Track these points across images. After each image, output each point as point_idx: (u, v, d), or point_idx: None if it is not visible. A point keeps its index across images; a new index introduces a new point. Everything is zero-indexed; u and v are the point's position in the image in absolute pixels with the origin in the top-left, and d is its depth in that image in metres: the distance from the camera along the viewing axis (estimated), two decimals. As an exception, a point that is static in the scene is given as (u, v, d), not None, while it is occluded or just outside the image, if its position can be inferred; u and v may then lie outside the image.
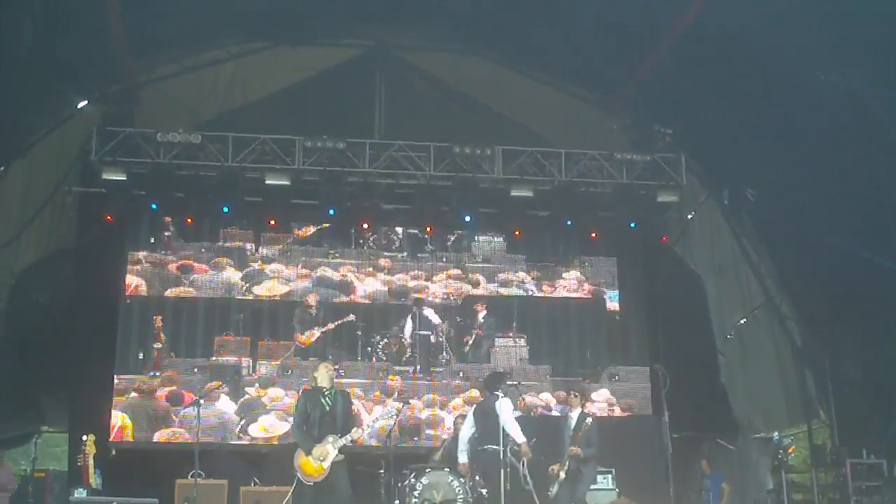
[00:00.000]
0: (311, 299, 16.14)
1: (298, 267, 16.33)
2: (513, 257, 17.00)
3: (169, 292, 15.92)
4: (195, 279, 16.03)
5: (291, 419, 15.13)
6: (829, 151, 13.69)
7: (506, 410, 11.42)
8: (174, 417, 15.32)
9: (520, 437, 11.67)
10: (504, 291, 16.85)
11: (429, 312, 16.51)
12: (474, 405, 12.26)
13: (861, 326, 14.67)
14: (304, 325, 16.08)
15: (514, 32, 16.09)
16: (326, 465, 9.78)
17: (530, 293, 16.91)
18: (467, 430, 11.57)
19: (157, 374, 15.53)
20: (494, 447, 11.08)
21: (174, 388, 15.46)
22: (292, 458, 11.86)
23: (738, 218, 16.75)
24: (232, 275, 16.16)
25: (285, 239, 16.38)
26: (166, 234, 15.99)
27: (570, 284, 17.02)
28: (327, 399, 10.05)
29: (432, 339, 16.46)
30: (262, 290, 16.19)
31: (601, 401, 16.20)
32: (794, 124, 13.90)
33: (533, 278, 16.93)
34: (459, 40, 16.47)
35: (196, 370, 15.66)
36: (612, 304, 17.01)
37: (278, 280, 16.25)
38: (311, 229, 16.45)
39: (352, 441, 10.05)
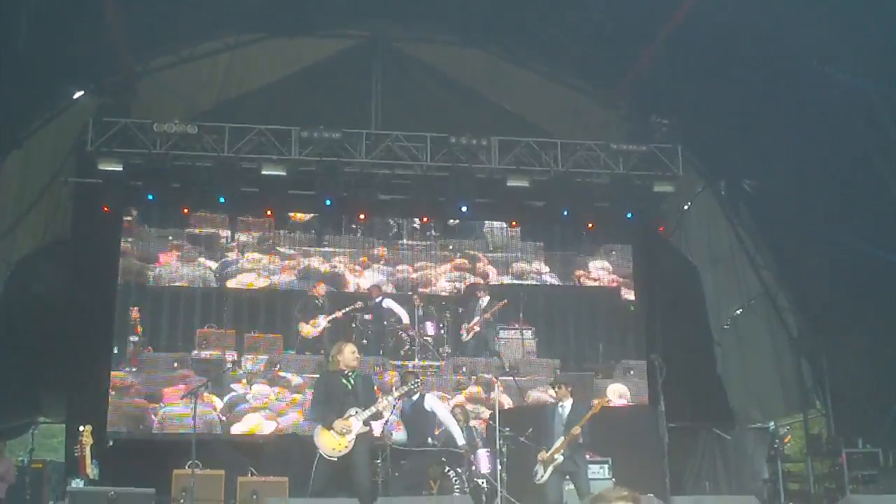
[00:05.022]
0: (320, 289, 15.87)
1: (290, 257, 16.04)
2: (529, 245, 16.55)
3: (149, 281, 15.54)
4: (181, 268, 15.67)
5: (280, 419, 15.07)
6: (825, 142, 13.70)
7: (441, 408, 11.51)
8: (152, 416, 14.93)
9: (461, 440, 11.86)
10: (520, 284, 16.37)
11: (391, 304, 16.06)
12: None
13: (857, 317, 14.71)
14: (307, 314, 15.72)
15: (512, 23, 16.11)
16: (350, 437, 9.32)
17: (549, 284, 16.42)
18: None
19: (134, 369, 15.11)
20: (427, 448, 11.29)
21: (152, 385, 14.98)
22: (289, 448, 11.90)
23: (734, 208, 16.79)
24: (218, 263, 15.79)
25: (279, 227, 16.13)
26: (161, 224, 15.83)
27: (598, 274, 16.66)
28: (349, 380, 9.61)
29: (431, 331, 16.07)
30: (248, 280, 15.82)
31: (614, 397, 15.76)
32: (790, 115, 13.92)
33: (551, 269, 16.46)
34: (457, 31, 16.45)
35: (176, 365, 15.14)
36: (627, 294, 16.74)
37: (268, 270, 15.90)
38: (305, 218, 16.23)
39: (377, 411, 9.57)
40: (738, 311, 16.63)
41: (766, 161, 15.34)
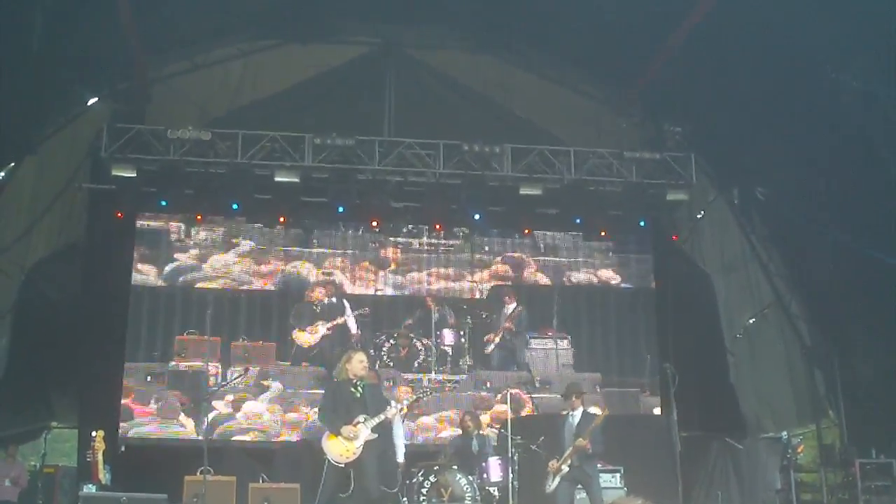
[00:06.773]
0: (317, 293, 15.24)
1: (266, 261, 15.44)
2: (589, 247, 15.55)
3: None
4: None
5: (272, 440, 14.74)
6: (839, 150, 13.67)
7: (397, 421, 11.52)
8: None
9: (400, 457, 11.91)
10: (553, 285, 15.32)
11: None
12: None
13: (870, 326, 14.64)
14: (303, 321, 15.11)
15: (525, 30, 16.13)
16: (358, 444, 9.25)
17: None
18: None
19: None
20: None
21: (125, 399, 14.38)
22: (300, 455, 11.85)
23: (747, 217, 16.72)
24: (166, 267, 15.19)
25: (250, 220, 15.58)
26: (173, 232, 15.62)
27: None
28: (358, 388, 9.49)
29: (450, 339, 15.14)
30: (239, 281, 15.20)
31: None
32: (804, 123, 13.88)
33: (623, 279, 15.53)
34: (470, 38, 16.47)
35: (149, 378, 14.42)
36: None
37: (236, 279, 15.30)
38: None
39: (385, 419, 9.52)
40: (750, 320, 16.54)
41: (778, 169, 15.31)
